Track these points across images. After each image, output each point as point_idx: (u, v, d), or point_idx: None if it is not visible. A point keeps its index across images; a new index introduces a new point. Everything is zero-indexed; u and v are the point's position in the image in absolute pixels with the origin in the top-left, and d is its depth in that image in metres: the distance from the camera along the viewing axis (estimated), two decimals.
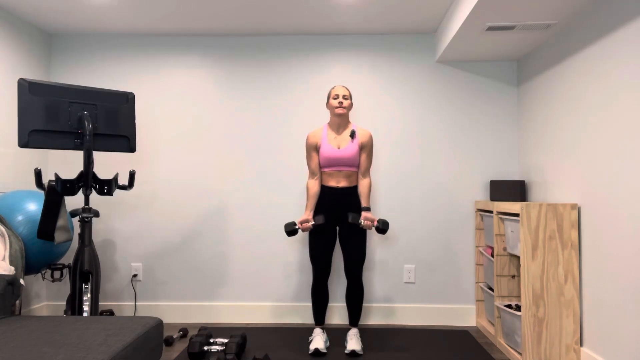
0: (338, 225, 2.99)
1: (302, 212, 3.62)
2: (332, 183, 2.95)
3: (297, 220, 2.97)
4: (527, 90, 3.44)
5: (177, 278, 3.64)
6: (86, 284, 2.65)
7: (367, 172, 3.01)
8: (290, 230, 2.89)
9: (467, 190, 3.59)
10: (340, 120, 2.97)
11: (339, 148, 2.94)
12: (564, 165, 2.89)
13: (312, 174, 3.01)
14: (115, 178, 2.82)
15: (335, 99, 2.94)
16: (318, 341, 2.89)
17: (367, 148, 2.99)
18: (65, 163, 3.70)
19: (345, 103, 2.93)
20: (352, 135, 2.95)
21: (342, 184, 2.95)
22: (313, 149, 2.99)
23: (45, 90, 2.59)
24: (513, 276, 3.09)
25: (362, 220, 2.88)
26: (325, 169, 2.97)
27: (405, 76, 3.63)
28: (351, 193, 2.96)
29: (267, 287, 3.63)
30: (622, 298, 2.31)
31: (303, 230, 2.92)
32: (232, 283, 3.63)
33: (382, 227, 2.90)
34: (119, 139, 2.87)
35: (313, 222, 2.90)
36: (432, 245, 3.59)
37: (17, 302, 2.94)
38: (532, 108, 3.34)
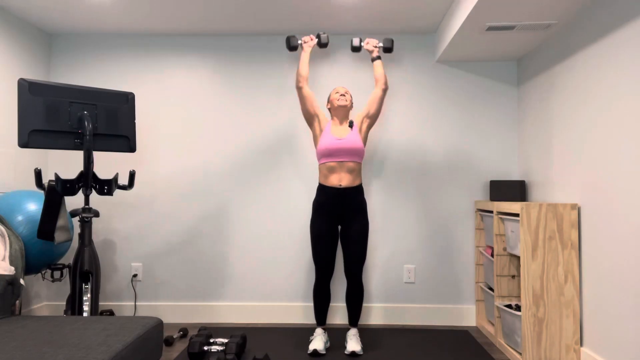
0: (340, 225, 2.98)
1: (303, 212, 3.62)
2: (334, 181, 2.89)
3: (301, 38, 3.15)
4: (527, 90, 3.44)
5: (177, 278, 3.64)
6: (86, 284, 2.65)
7: (377, 83, 3.03)
8: (294, 45, 3.03)
9: (467, 190, 3.59)
10: (343, 115, 2.99)
11: (340, 138, 2.91)
12: (564, 165, 2.89)
13: (304, 75, 2.99)
14: (115, 178, 2.82)
15: (336, 93, 2.99)
16: (318, 342, 2.89)
17: (363, 109, 3.03)
18: (65, 163, 3.70)
19: (347, 96, 2.98)
20: (351, 124, 2.96)
21: (344, 182, 2.88)
22: (317, 110, 2.99)
23: (45, 90, 2.59)
24: (513, 276, 3.09)
25: (364, 44, 3.05)
26: (326, 160, 2.90)
27: (405, 76, 3.63)
28: (353, 193, 2.91)
29: (267, 287, 3.63)
30: (622, 298, 2.31)
31: (304, 43, 3.04)
32: (232, 283, 3.63)
33: (387, 45, 3.04)
34: (119, 139, 2.87)
35: (317, 39, 3.05)
36: (432, 245, 3.59)
37: (17, 302, 2.94)
38: (532, 108, 3.34)
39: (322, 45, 3.09)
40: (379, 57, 3.05)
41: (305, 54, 3.01)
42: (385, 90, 3.01)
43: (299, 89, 2.97)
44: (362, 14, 3.25)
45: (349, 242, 2.93)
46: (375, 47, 3.07)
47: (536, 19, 2.75)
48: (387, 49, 3.08)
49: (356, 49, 3.09)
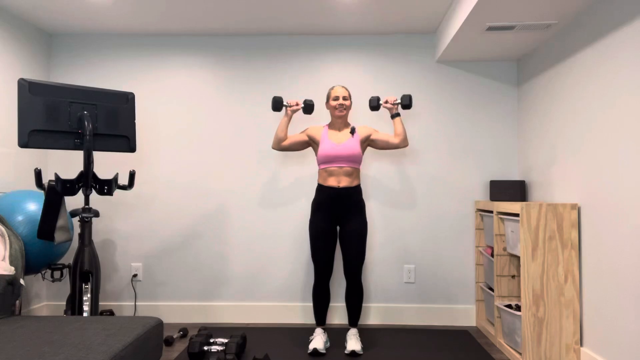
0: (339, 225, 2.98)
1: (302, 212, 3.62)
2: (333, 182, 2.92)
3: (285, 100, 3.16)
4: (527, 91, 3.44)
5: (177, 278, 3.64)
6: (86, 284, 2.65)
7: (397, 137, 2.98)
8: (277, 105, 3.00)
9: (467, 190, 3.59)
10: (341, 121, 3.01)
11: (338, 144, 2.94)
12: (564, 165, 2.89)
13: (284, 139, 3.01)
14: (115, 178, 2.82)
15: (335, 100, 2.97)
16: (318, 341, 2.89)
17: (373, 134, 3.01)
18: (65, 163, 3.70)
19: (346, 104, 2.96)
20: (352, 131, 2.97)
21: (343, 183, 2.91)
22: (306, 136, 3.03)
23: (45, 90, 2.59)
24: (513, 276, 3.09)
25: (382, 102, 3.02)
26: (326, 166, 2.93)
27: (405, 76, 3.63)
28: (352, 193, 2.93)
29: (267, 287, 3.63)
30: (622, 298, 2.31)
31: (288, 107, 2.99)
32: (232, 283, 3.63)
33: (405, 102, 3.00)
34: (119, 139, 2.87)
35: (302, 105, 3.03)
36: (432, 245, 3.59)
37: (17, 302, 2.94)
38: (532, 108, 3.34)
39: (307, 111, 3.05)
40: (398, 114, 3.00)
41: (286, 119, 3.00)
42: (401, 147, 2.99)
43: (279, 149, 3.02)
44: (362, 14, 3.25)
45: (348, 242, 2.93)
46: (394, 104, 3.01)
47: (536, 19, 2.75)
48: (406, 106, 3.01)
49: (375, 108, 3.06)
